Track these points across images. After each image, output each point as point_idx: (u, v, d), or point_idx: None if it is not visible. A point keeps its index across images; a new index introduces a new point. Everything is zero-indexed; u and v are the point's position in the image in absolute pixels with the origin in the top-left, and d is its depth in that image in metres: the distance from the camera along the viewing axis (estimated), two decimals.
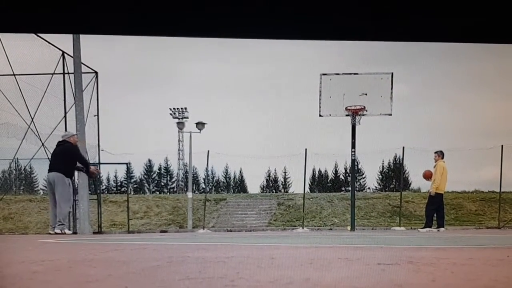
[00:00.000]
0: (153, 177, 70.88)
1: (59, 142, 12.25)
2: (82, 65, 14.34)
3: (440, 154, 15.09)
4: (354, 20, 1.01)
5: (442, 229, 14.76)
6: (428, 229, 14.76)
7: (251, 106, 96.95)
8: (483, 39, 1.06)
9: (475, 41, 1.06)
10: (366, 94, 15.78)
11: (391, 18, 1.01)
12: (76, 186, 13.67)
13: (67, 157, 11.92)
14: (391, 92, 15.79)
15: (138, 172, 67.51)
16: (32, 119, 15.09)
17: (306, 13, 0.99)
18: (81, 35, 13.04)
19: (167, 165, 69.95)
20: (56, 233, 11.56)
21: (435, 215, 15.37)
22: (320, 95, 16.00)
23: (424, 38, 1.05)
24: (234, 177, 70.20)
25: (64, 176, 11.80)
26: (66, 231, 11.84)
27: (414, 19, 1.01)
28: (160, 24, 1.00)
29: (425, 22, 1.02)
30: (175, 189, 63.22)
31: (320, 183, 67.05)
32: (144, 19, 1.00)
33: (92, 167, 12.52)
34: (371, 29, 1.03)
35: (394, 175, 64.79)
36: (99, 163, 16.94)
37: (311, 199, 25.51)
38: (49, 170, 11.91)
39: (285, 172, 67.09)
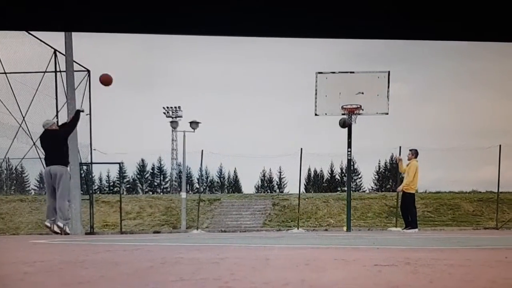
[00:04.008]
0: (146, 177, 71.07)
1: (44, 132, 12.13)
2: (74, 63, 14.30)
3: (413, 153, 15.14)
4: (352, 18, 0.99)
5: (416, 230, 14.81)
6: (415, 230, 14.82)
7: (246, 105, 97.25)
8: (483, 37, 1.04)
9: (475, 39, 1.04)
10: (362, 93, 15.82)
11: (390, 16, 0.98)
12: None
13: (63, 146, 11.85)
14: (388, 91, 15.84)
15: (131, 172, 67.74)
16: (24, 118, 15.07)
17: (303, 11, 0.97)
18: (73, 33, 13.02)
19: (161, 164, 70.20)
20: (59, 227, 11.52)
21: (402, 215, 15.60)
22: (316, 94, 16.03)
23: (423, 37, 1.03)
24: (229, 177, 70.55)
25: (67, 168, 11.86)
26: (67, 229, 11.82)
27: (412, 17, 0.98)
28: (153, 22, 0.99)
29: (423, 20, 0.99)
30: (169, 189, 63.39)
31: (316, 183, 67.40)
32: (138, 17, 0.98)
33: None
34: (369, 27, 1.01)
35: (391, 175, 65.10)
36: (91, 163, 16.93)
37: (306, 199, 25.57)
38: (50, 163, 11.78)
39: (280, 172, 67.51)
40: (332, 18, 0.99)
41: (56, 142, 11.81)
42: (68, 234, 11.96)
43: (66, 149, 12.07)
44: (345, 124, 15.29)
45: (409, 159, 15.28)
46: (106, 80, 12.47)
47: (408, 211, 15.39)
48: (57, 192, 11.77)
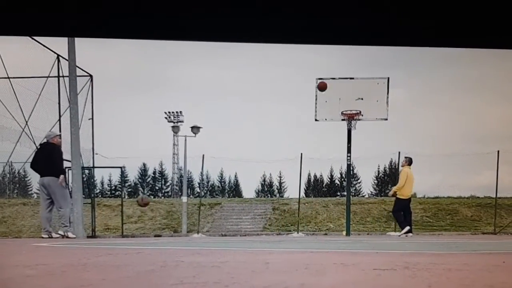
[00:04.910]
0: (147, 181, 71.01)
1: (41, 144, 12.29)
2: (77, 68, 14.31)
3: (407, 161, 15.39)
4: (354, 24, 1.00)
5: (410, 234, 14.88)
6: (407, 228, 14.83)
7: (247, 110, 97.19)
8: (481, 44, 1.05)
9: (474, 46, 1.05)
10: (362, 99, 15.85)
11: (391, 22, 1.00)
12: (70, 190, 13.66)
13: (56, 160, 11.93)
14: (387, 97, 15.86)
15: (132, 176, 67.60)
16: (27, 122, 15.09)
17: (305, 17, 0.98)
18: (76, 38, 13.05)
19: (162, 169, 70.09)
20: (61, 236, 11.64)
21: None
22: (316, 99, 16.06)
23: (422, 43, 1.05)
24: (229, 181, 70.43)
25: (58, 179, 11.85)
26: (70, 234, 11.91)
27: (412, 23, 1.00)
28: (157, 28, 0.99)
29: (423, 27, 1.01)
30: (170, 193, 63.33)
31: (316, 187, 67.31)
32: (142, 22, 0.98)
33: (61, 178, 12.24)
34: (371, 33, 1.02)
35: (390, 180, 64.87)
36: (93, 167, 16.93)
37: (306, 204, 25.52)
38: (42, 174, 11.92)
39: (280, 177, 67.41)
40: (332, 24, 0.99)
41: (51, 155, 11.88)
42: (74, 237, 12.03)
43: (60, 162, 12.12)
44: (142, 202, 14.34)
45: (402, 166, 15.65)
46: (323, 87, 13.82)
47: (394, 214, 15.64)
48: (55, 203, 11.88)
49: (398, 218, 15.56)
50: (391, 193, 15.91)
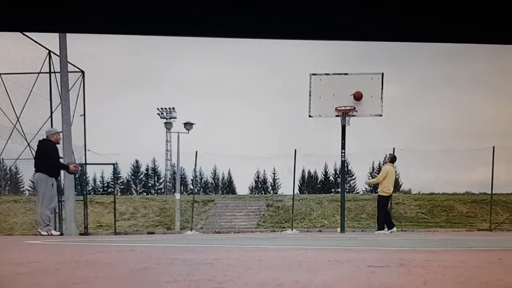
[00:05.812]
0: (140, 178, 70.94)
1: (39, 140, 12.29)
2: (69, 64, 14.24)
3: (389, 158, 15.50)
4: (353, 19, 0.99)
5: (394, 229, 14.97)
6: (382, 232, 14.89)
7: (240, 106, 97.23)
8: (478, 40, 1.04)
9: (470, 41, 1.04)
10: None
11: (389, 18, 0.99)
12: (62, 187, 13.59)
13: (48, 157, 11.87)
14: (382, 93, 15.88)
15: (125, 172, 67.52)
16: (18, 118, 15.01)
17: (304, 13, 0.97)
18: (67, 34, 12.98)
19: (155, 165, 70.03)
20: (42, 235, 11.55)
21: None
22: (310, 95, 16.06)
23: (419, 39, 1.03)
24: (223, 178, 70.43)
25: (48, 176, 11.77)
26: (53, 232, 11.86)
27: (410, 18, 0.99)
28: (152, 23, 0.98)
29: (419, 22, 1.00)
30: (163, 190, 63.33)
31: (310, 184, 67.35)
32: (136, 18, 0.97)
33: (71, 166, 12.31)
34: (369, 29, 1.01)
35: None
36: (85, 164, 16.87)
37: (300, 201, 25.53)
38: (35, 171, 11.93)
39: (274, 173, 67.46)
40: (332, 20, 0.99)
41: (43, 152, 11.84)
42: (56, 235, 11.98)
43: (52, 160, 12.04)
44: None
45: (384, 163, 15.77)
46: (359, 96, 14.30)
47: (378, 212, 15.70)
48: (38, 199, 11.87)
49: (381, 217, 15.63)
50: (367, 182, 16.18)
